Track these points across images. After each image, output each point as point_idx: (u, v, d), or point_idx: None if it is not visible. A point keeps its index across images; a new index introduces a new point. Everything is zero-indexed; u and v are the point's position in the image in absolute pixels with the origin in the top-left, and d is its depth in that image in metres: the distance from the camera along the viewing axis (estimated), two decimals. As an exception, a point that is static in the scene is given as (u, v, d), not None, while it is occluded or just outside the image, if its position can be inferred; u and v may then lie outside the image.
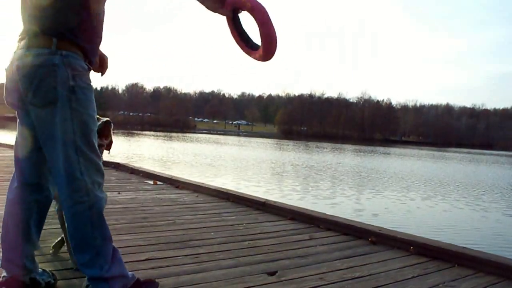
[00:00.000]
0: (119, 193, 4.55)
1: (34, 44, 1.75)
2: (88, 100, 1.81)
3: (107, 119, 2.40)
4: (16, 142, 1.98)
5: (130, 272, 1.92)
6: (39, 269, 2.02)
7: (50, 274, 2.06)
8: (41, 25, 1.75)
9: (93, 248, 1.80)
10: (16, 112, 1.89)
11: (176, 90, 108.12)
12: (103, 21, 1.90)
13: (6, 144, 9.55)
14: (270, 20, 1.82)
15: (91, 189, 1.80)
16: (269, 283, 2.28)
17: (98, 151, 1.89)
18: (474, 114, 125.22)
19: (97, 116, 2.09)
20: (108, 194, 4.31)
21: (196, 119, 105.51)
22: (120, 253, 1.91)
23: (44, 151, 1.82)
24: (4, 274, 1.92)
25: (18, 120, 1.91)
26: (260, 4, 1.80)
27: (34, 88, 1.72)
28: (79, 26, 1.78)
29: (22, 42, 1.78)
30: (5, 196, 2.05)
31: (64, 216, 1.92)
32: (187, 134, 58.88)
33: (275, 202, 4.31)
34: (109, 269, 1.81)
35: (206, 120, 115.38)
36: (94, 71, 2.00)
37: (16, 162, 2.02)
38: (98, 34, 1.90)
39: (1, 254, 1.95)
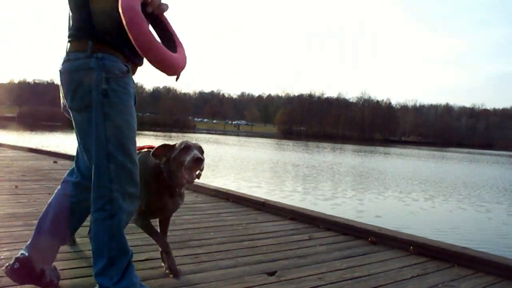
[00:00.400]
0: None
1: (72, 49, 1.77)
2: (123, 105, 1.77)
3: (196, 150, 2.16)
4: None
5: (141, 284, 1.89)
6: (52, 265, 2.05)
7: (57, 274, 2.06)
8: (78, 29, 1.76)
9: (108, 257, 1.77)
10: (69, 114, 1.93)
11: (175, 90, 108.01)
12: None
13: (6, 144, 9.54)
14: (136, 23, 1.62)
15: (116, 199, 1.75)
16: (268, 283, 2.28)
17: (136, 159, 1.83)
18: (474, 114, 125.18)
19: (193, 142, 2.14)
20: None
21: (195, 119, 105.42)
22: (134, 269, 1.88)
23: (84, 155, 1.85)
24: (22, 252, 1.92)
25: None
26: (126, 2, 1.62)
27: (72, 93, 1.75)
28: (117, 28, 1.70)
29: (66, 47, 1.82)
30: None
31: None
32: (187, 134, 58.85)
33: (274, 202, 4.31)
34: (117, 282, 1.77)
35: (205, 120, 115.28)
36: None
37: (75, 161, 2.06)
38: None
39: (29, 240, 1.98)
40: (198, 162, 2.08)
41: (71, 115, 1.84)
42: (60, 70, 1.80)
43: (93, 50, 1.72)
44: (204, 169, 2.23)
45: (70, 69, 1.75)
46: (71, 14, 1.82)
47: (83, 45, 1.73)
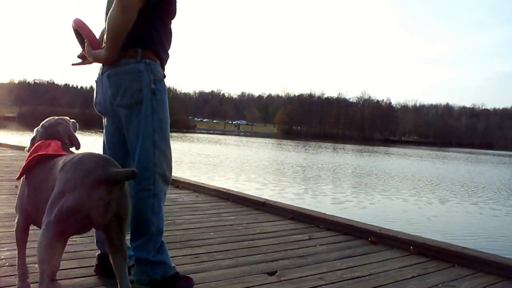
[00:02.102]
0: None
1: (122, 56, 2.00)
2: (164, 102, 2.09)
3: None
4: (103, 141, 2.25)
5: (173, 264, 2.10)
6: (129, 252, 2.17)
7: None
8: (127, 39, 1.96)
9: (148, 233, 2.02)
10: (103, 113, 2.17)
11: (176, 90, 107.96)
12: (171, 31, 2.15)
13: (6, 144, 9.54)
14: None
15: (158, 180, 2.05)
16: (268, 283, 2.28)
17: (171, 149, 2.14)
18: (474, 114, 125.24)
19: None
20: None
21: (196, 119, 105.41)
22: (166, 247, 2.11)
23: (128, 144, 2.08)
24: (98, 252, 2.21)
25: (105, 123, 2.20)
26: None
27: (123, 92, 2.01)
28: (157, 36, 2.05)
29: None
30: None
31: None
32: (187, 134, 58.84)
33: (275, 202, 4.31)
34: (155, 255, 2.03)
35: (206, 120, 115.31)
36: None
37: None
38: (170, 42, 2.16)
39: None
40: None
41: (118, 112, 2.06)
42: (108, 74, 2.04)
43: (142, 56, 2.01)
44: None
45: (121, 72, 2.01)
46: None
47: (133, 52, 2.00)
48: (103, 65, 2.09)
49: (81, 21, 2.05)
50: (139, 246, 2.05)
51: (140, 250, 2.04)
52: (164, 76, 2.14)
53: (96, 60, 2.05)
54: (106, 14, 2.06)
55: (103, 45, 2.03)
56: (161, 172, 2.07)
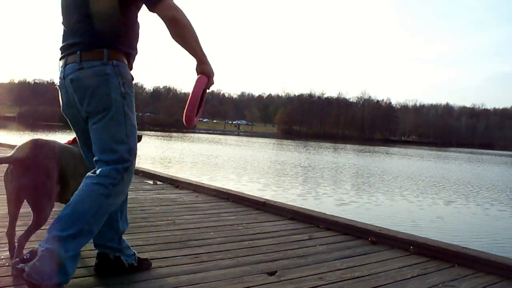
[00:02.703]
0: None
1: (86, 57, 1.88)
2: (133, 106, 2.00)
3: None
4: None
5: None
6: (129, 251, 2.22)
7: (136, 257, 2.24)
8: (91, 38, 1.88)
9: (78, 229, 1.80)
10: (70, 120, 2.06)
11: (176, 90, 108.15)
12: (139, 26, 2.05)
13: (6, 144, 9.54)
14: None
15: (121, 185, 1.94)
16: (268, 283, 2.27)
17: None
18: (474, 114, 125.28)
19: None
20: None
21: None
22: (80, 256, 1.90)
23: (97, 150, 1.95)
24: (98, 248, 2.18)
25: (72, 127, 2.09)
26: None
27: (89, 97, 1.87)
28: (124, 34, 1.94)
29: (72, 57, 1.91)
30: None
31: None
32: (187, 134, 58.85)
33: (274, 202, 4.30)
34: (69, 255, 1.76)
35: (206, 120, 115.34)
36: None
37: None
38: (137, 39, 2.05)
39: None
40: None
41: (86, 118, 1.96)
42: (71, 78, 1.90)
43: (109, 58, 1.88)
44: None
45: (86, 76, 1.87)
46: (76, 24, 1.92)
47: (99, 54, 1.87)
48: (64, 67, 1.94)
49: (187, 118, 2.03)
50: (62, 237, 1.75)
51: (60, 241, 1.74)
52: (132, 78, 2.03)
53: (211, 75, 2.04)
54: (62, 12, 1.99)
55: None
56: (128, 179, 1.98)
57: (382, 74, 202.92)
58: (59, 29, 2.05)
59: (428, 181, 16.48)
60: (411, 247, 3.01)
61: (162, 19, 1.89)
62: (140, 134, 2.40)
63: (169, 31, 1.91)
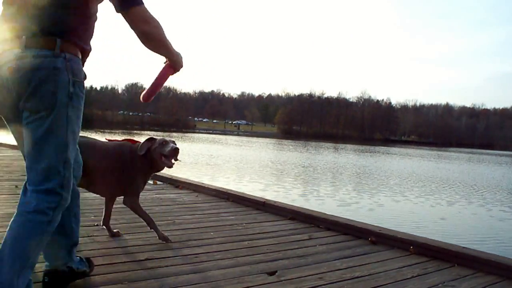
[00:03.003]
0: (118, 193, 4.55)
1: (33, 45, 1.58)
2: (80, 110, 1.71)
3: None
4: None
5: None
6: (77, 257, 2.04)
7: (86, 263, 2.10)
8: (42, 24, 1.60)
9: (21, 265, 1.57)
10: (4, 117, 1.74)
11: (176, 90, 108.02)
12: (96, 20, 1.81)
13: (6, 144, 9.53)
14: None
15: (60, 207, 1.67)
16: (268, 283, 2.27)
17: None
18: (474, 114, 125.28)
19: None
20: (108, 194, 4.19)
21: (196, 119, 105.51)
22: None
23: (29, 157, 1.65)
24: (46, 263, 1.96)
25: (7, 124, 1.76)
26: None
27: (31, 92, 1.58)
28: (82, 26, 1.69)
29: (16, 42, 1.60)
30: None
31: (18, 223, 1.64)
32: (187, 134, 58.86)
33: (274, 202, 4.30)
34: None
35: (206, 120, 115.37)
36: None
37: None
38: (92, 35, 1.79)
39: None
40: (176, 152, 2.71)
41: (21, 115, 1.63)
42: (12, 67, 1.58)
43: (62, 49, 1.60)
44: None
45: (31, 66, 1.57)
46: (24, 5, 1.62)
47: (50, 42, 1.58)
48: (2, 53, 1.62)
49: (146, 96, 2.08)
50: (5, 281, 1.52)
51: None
52: (85, 77, 1.75)
53: (179, 66, 2.03)
54: None
55: None
56: (66, 196, 1.68)
57: (382, 74, 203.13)
58: None
59: (430, 182, 16.47)
60: (411, 247, 3.00)
61: (132, 28, 1.74)
62: (175, 146, 2.71)
63: (140, 40, 1.79)
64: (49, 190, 1.62)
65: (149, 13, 1.75)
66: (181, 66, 2.05)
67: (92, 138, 2.86)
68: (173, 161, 2.74)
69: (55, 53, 1.59)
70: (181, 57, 2.03)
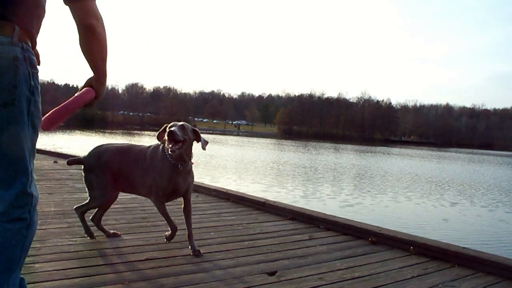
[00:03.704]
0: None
1: None
2: (39, 104, 1.54)
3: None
4: None
5: None
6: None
7: None
8: (3, 8, 1.42)
9: (8, 274, 1.51)
10: None
11: (176, 90, 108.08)
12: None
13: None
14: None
15: (34, 209, 1.56)
16: (268, 283, 2.27)
17: None
18: (474, 114, 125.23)
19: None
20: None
21: (196, 119, 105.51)
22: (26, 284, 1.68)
23: None
24: None
25: None
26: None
27: None
28: (37, 14, 1.52)
29: None
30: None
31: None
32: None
33: (274, 202, 4.30)
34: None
35: (206, 120, 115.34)
36: None
37: None
38: (40, 28, 1.59)
39: None
40: (170, 135, 2.51)
41: None
42: None
43: (20, 38, 1.44)
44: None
45: None
46: None
47: (8, 29, 1.41)
48: None
49: (47, 121, 1.62)
50: None
51: None
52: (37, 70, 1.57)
53: (102, 92, 1.71)
54: None
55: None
56: (36, 195, 1.57)
57: (382, 74, 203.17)
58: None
59: (431, 182, 16.46)
60: (411, 247, 3.01)
61: (76, 22, 1.55)
62: (169, 130, 2.53)
63: (79, 37, 1.57)
64: (20, 191, 1.51)
65: (99, 11, 1.58)
66: (103, 94, 1.71)
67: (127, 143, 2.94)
68: (174, 146, 2.53)
69: (14, 41, 1.42)
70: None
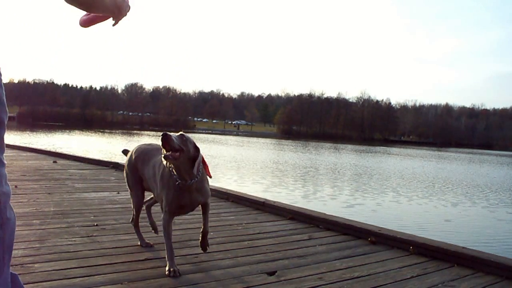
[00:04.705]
0: (118, 193, 4.54)
1: None
2: (3, 96, 1.39)
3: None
4: None
5: None
6: None
7: None
8: None
9: None
10: None
11: (175, 90, 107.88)
12: None
13: (6, 144, 9.53)
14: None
15: (4, 205, 1.42)
16: (268, 283, 2.27)
17: None
18: (473, 114, 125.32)
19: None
20: (108, 194, 4.30)
21: (195, 119, 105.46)
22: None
23: None
24: None
25: None
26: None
27: None
28: None
29: None
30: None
31: None
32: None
33: (274, 202, 4.30)
34: None
35: (205, 120, 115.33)
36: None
37: None
38: None
39: None
40: (162, 139, 2.21)
41: None
42: None
43: None
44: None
45: None
46: None
47: None
48: None
49: (85, 21, 1.55)
50: None
51: None
52: None
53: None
54: None
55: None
56: (6, 192, 1.44)
57: (382, 74, 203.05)
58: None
59: (432, 182, 16.46)
60: (411, 247, 3.01)
61: None
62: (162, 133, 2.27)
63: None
64: None
65: None
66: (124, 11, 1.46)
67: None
68: (168, 153, 2.24)
69: None
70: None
